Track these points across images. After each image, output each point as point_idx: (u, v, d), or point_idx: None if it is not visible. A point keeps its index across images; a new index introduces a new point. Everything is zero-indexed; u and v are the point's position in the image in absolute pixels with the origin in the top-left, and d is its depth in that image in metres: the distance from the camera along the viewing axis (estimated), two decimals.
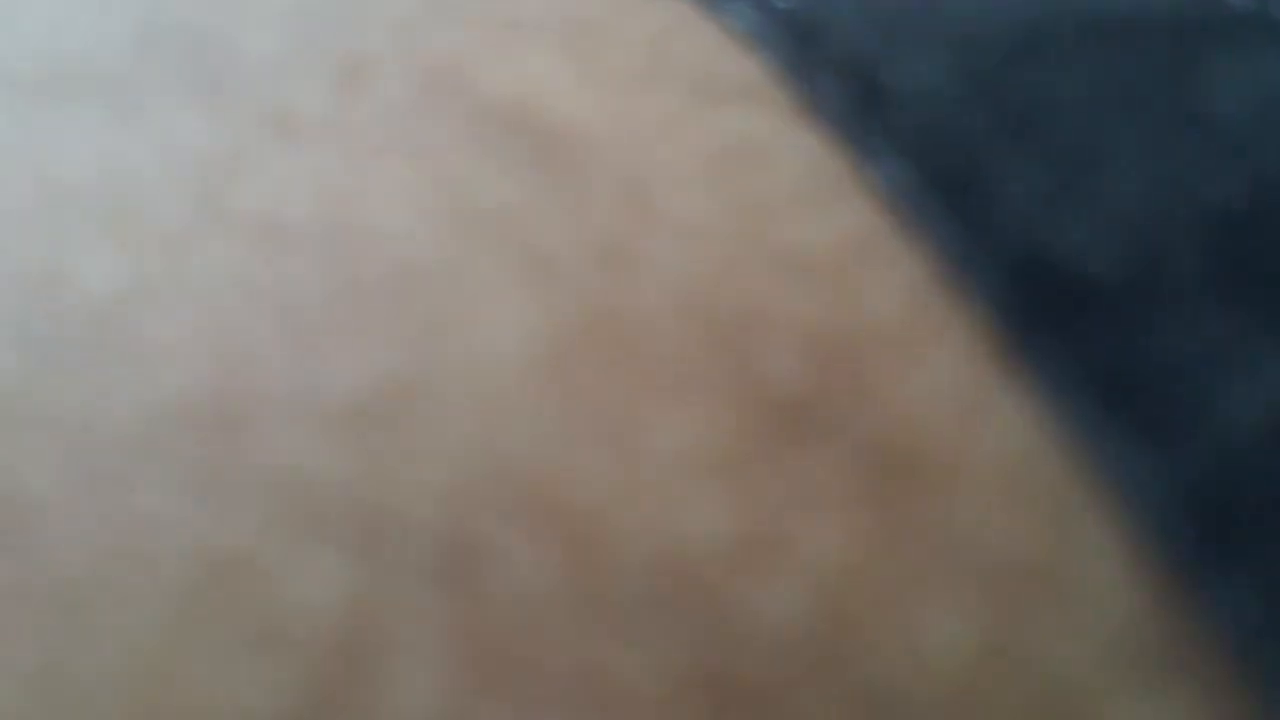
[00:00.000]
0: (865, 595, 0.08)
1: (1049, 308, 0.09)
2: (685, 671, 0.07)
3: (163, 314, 0.08)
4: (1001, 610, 0.08)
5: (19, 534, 0.07)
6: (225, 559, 0.07)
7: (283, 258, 0.09)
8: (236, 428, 0.08)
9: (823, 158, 0.10)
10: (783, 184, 0.10)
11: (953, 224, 0.09)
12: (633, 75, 0.11)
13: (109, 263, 0.08)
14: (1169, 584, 0.08)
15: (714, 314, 0.09)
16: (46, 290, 0.08)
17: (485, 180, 0.09)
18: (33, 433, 0.07)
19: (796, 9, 0.11)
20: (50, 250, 0.08)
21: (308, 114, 0.10)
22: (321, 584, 0.07)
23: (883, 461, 0.08)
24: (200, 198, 0.09)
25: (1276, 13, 0.12)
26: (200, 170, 0.09)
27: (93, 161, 0.09)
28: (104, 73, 0.10)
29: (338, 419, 0.08)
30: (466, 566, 0.07)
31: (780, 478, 0.08)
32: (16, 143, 0.09)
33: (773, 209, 0.10)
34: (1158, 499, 0.08)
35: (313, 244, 0.09)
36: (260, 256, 0.09)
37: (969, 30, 0.11)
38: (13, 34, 0.10)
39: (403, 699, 0.07)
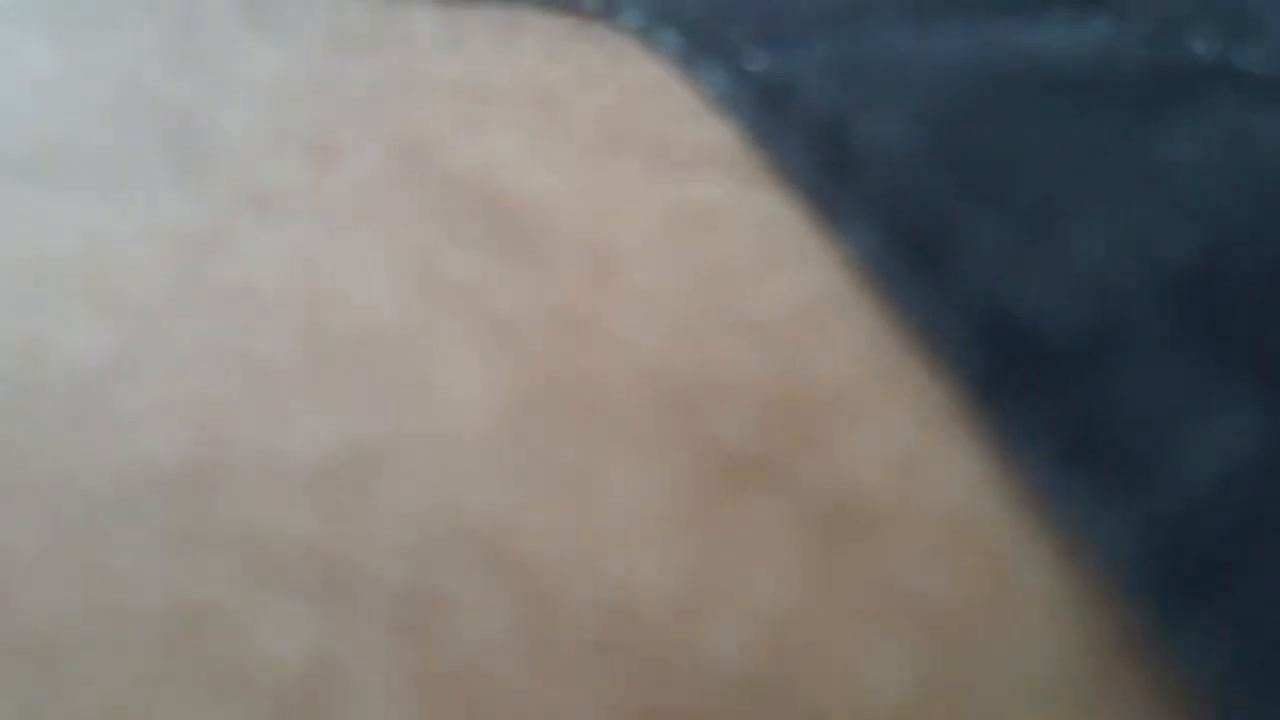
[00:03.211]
0: (806, 640, 0.08)
1: (1012, 365, 0.09)
2: (633, 712, 0.08)
3: (140, 382, 0.08)
4: (940, 654, 0.08)
5: None
6: (195, 612, 0.07)
7: (255, 327, 0.09)
8: (208, 489, 0.08)
9: (782, 221, 0.10)
10: (740, 249, 0.10)
11: (918, 284, 0.10)
12: (594, 144, 0.11)
13: (89, 334, 0.09)
14: (1125, 630, 0.08)
15: (668, 377, 0.09)
16: (29, 361, 0.09)
17: (450, 251, 0.10)
18: (13, 495, 0.08)
19: (767, 71, 0.12)
20: (33, 323, 0.09)
21: (281, 189, 0.10)
22: (286, 635, 0.07)
23: (826, 514, 0.08)
24: (178, 271, 0.09)
25: (1239, 61, 0.12)
26: (178, 245, 0.09)
27: (75, 237, 0.09)
28: (86, 151, 0.10)
29: (304, 479, 0.08)
30: (424, 617, 0.08)
31: (726, 530, 0.08)
32: (1, 220, 0.10)
33: (729, 274, 0.10)
34: (1122, 548, 0.08)
35: (284, 314, 0.09)
36: (234, 327, 0.09)
37: (935, 91, 0.11)
38: None
39: None
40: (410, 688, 0.07)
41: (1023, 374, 0.09)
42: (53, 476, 0.08)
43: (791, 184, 0.11)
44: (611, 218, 0.10)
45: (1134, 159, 0.11)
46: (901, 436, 0.09)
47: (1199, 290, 0.09)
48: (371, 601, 0.08)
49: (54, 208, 0.10)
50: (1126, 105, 0.11)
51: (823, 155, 0.11)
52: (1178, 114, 0.11)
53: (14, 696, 0.07)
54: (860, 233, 0.10)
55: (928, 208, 0.10)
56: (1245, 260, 0.10)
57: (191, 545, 0.08)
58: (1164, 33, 0.13)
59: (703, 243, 0.10)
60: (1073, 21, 0.13)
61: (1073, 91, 0.11)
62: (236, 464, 0.08)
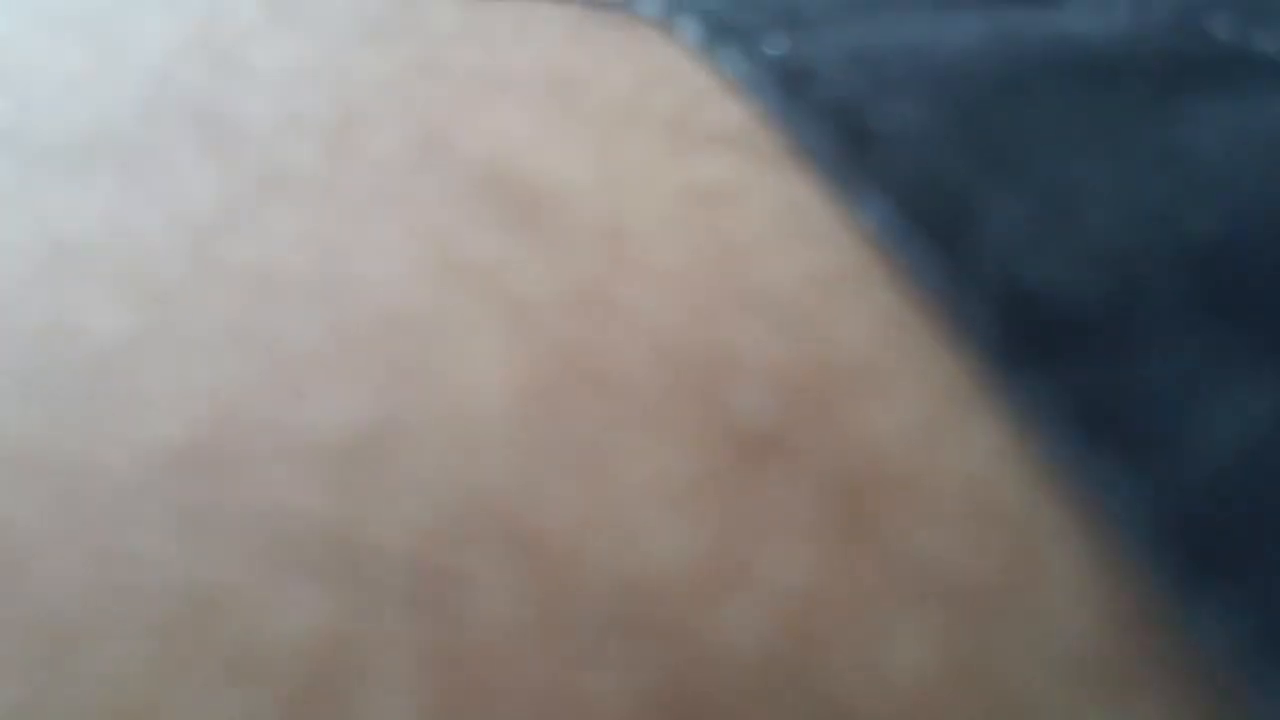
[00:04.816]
0: (827, 617, 0.08)
1: (1033, 340, 0.09)
2: (651, 692, 0.08)
3: (159, 363, 0.09)
4: (963, 630, 0.08)
5: (8, 572, 0.07)
6: (210, 594, 0.07)
7: (274, 308, 0.09)
8: (226, 470, 0.08)
9: (799, 200, 0.11)
10: (757, 227, 0.10)
11: (938, 261, 0.10)
12: (611, 126, 0.11)
13: (110, 317, 0.09)
14: (1149, 602, 0.08)
15: (684, 353, 0.09)
16: (50, 342, 0.09)
17: (468, 233, 0.10)
18: (30, 477, 0.08)
19: (786, 56, 0.12)
20: (55, 305, 0.09)
21: (301, 174, 0.10)
22: (301, 616, 0.07)
23: (846, 489, 0.09)
24: (199, 254, 0.09)
25: (1259, 44, 0.12)
26: (199, 229, 0.10)
27: (98, 222, 0.10)
28: (111, 140, 0.10)
29: (322, 460, 0.08)
30: (442, 596, 0.08)
31: (745, 506, 0.08)
32: (27, 205, 0.10)
33: (746, 252, 0.10)
34: (1143, 521, 0.08)
35: (303, 296, 0.09)
36: (253, 309, 0.09)
37: (954, 73, 0.11)
38: (30, 103, 0.11)
39: None
40: (427, 668, 0.07)
41: (1040, 347, 0.09)
42: (72, 457, 0.08)
43: (809, 164, 0.11)
44: (628, 198, 0.10)
45: (1153, 139, 0.11)
46: (920, 411, 0.09)
47: (1217, 264, 0.10)
48: (388, 581, 0.08)
49: (79, 194, 0.10)
50: (1146, 88, 0.11)
51: (842, 136, 0.11)
52: (1197, 96, 0.11)
53: (27, 676, 0.07)
54: (878, 210, 0.10)
55: (945, 184, 0.10)
56: (1263, 236, 0.10)
57: (208, 526, 0.08)
58: (1184, 18, 0.13)
59: (719, 221, 0.10)
60: (1093, 7, 0.13)
61: (1092, 74, 0.12)
62: (254, 445, 0.08)
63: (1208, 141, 0.11)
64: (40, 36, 0.12)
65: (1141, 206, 0.10)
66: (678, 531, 0.08)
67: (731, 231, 0.10)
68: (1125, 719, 0.08)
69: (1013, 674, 0.08)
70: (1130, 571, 0.08)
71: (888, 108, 0.11)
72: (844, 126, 0.11)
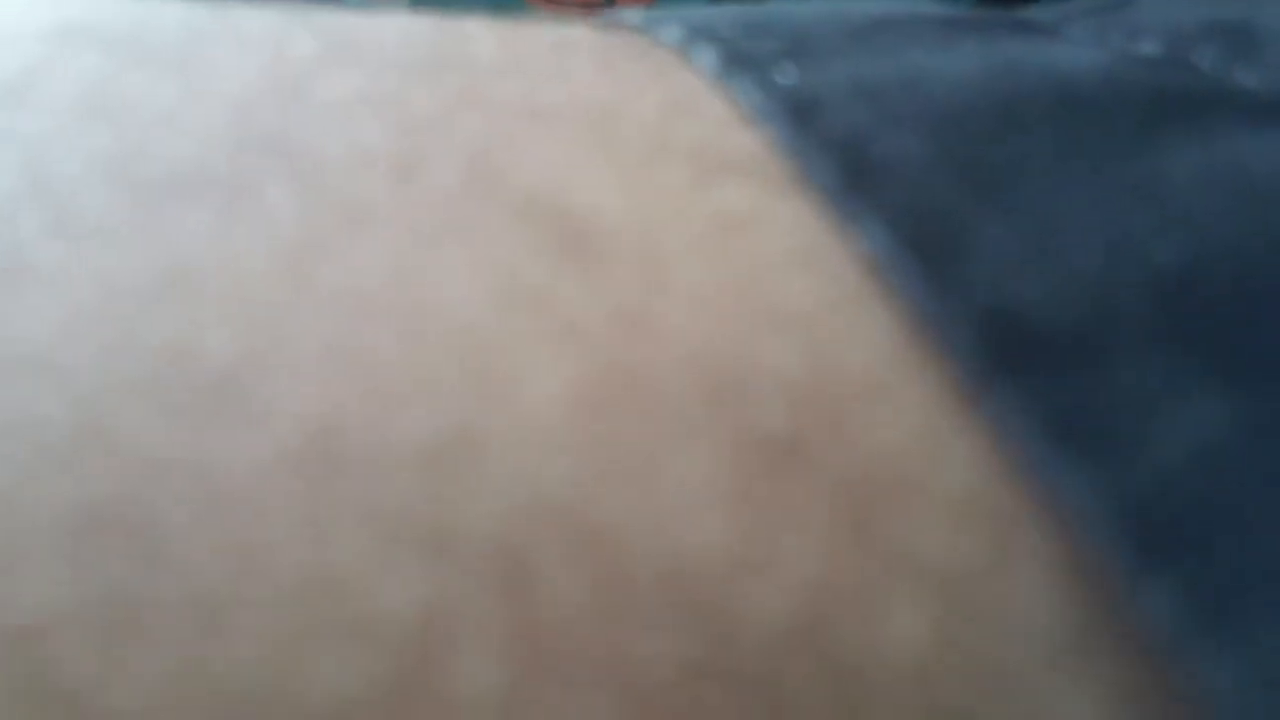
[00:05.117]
0: (837, 596, 0.09)
1: (1010, 357, 0.10)
2: (691, 656, 0.09)
3: (270, 377, 0.09)
4: (951, 609, 0.09)
5: (159, 554, 0.09)
6: (327, 572, 0.09)
7: (362, 328, 0.10)
8: (334, 469, 0.09)
9: (807, 227, 0.11)
10: (771, 252, 0.11)
11: (928, 284, 0.10)
12: (642, 156, 0.12)
13: (224, 334, 0.10)
14: (1106, 584, 0.09)
15: (714, 366, 0.10)
16: (173, 358, 0.09)
17: (522, 259, 0.11)
18: (164, 477, 0.09)
19: (796, 86, 0.12)
20: (175, 325, 0.10)
21: (373, 202, 0.11)
22: (403, 591, 0.09)
23: (852, 488, 0.09)
24: (294, 278, 0.10)
25: (1242, 80, 0.13)
26: (292, 254, 0.10)
27: (205, 248, 0.10)
28: (206, 169, 0.11)
29: (412, 461, 0.09)
30: (515, 577, 0.09)
31: (766, 503, 0.09)
32: (142, 233, 0.10)
33: (762, 274, 0.11)
34: (1102, 515, 0.09)
35: (385, 317, 0.10)
36: (344, 327, 0.10)
37: (950, 107, 0.12)
38: (132, 137, 0.11)
39: (468, 681, 0.08)
40: (506, 637, 0.09)
41: (1020, 364, 0.10)
42: (199, 460, 0.09)
43: (816, 192, 0.11)
44: (659, 224, 0.11)
45: (1131, 171, 0.11)
46: (915, 419, 0.10)
47: (1181, 294, 0.10)
48: (471, 564, 0.09)
49: (184, 222, 0.11)
50: (1129, 121, 0.12)
51: (845, 167, 0.11)
52: (1177, 131, 0.12)
53: (177, 645, 0.08)
54: (877, 237, 0.11)
55: (938, 215, 0.11)
56: (1225, 269, 0.10)
57: (323, 516, 0.09)
58: (1173, 50, 0.13)
59: (739, 247, 0.11)
60: (1088, 39, 0.14)
61: (1080, 108, 0.12)
62: (356, 448, 0.09)
63: (1181, 175, 0.11)
64: (135, 74, 0.12)
65: (1115, 237, 0.10)
66: (712, 523, 0.09)
67: (750, 256, 0.11)
68: (1084, 681, 0.09)
69: (990, 643, 0.09)
70: (1090, 557, 0.09)
71: (887, 141, 0.11)
72: (847, 159, 0.11)
